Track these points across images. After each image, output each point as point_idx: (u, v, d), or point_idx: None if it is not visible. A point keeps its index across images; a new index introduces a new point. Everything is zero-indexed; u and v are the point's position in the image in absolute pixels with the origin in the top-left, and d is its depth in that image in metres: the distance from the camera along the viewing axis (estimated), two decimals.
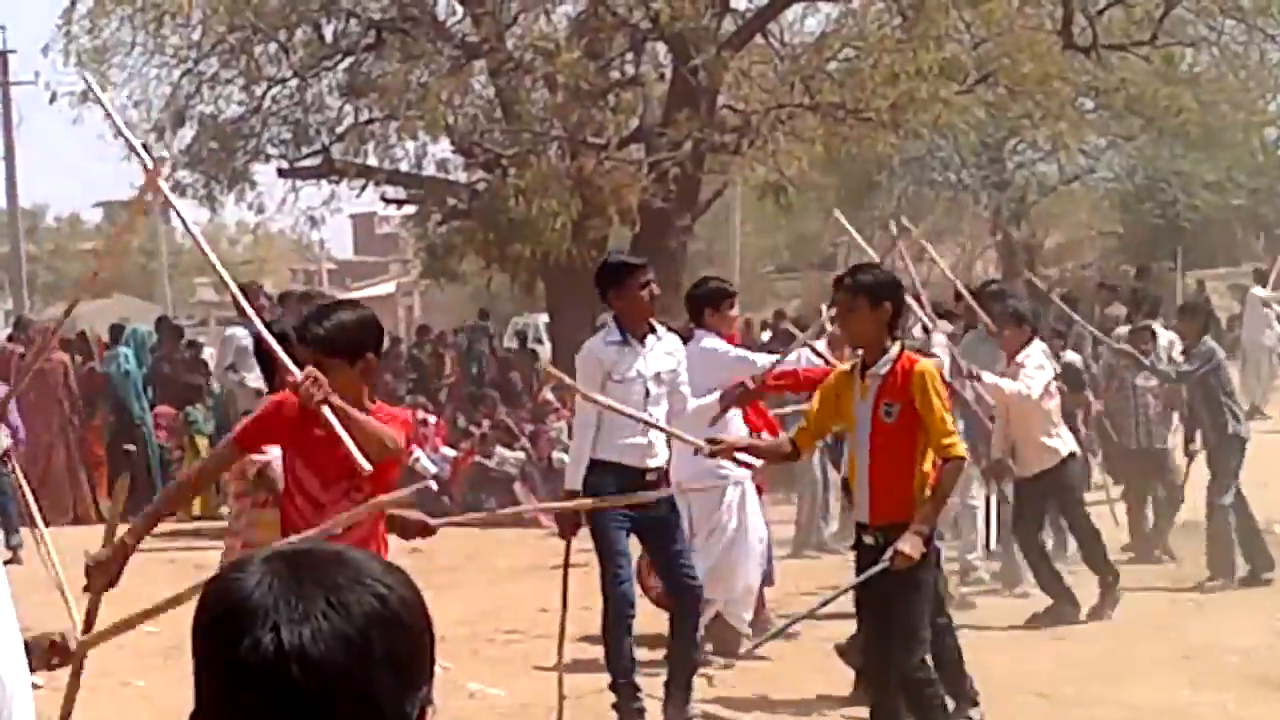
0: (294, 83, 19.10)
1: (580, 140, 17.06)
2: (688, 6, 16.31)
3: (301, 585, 1.52)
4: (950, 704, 6.41)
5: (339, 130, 19.24)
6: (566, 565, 6.90)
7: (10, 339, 16.43)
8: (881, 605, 5.89)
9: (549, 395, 15.91)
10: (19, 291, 38.11)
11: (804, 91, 17.05)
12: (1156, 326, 11.61)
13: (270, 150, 19.53)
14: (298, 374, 4.67)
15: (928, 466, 5.84)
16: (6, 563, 10.25)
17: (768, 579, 8.77)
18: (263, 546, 4.46)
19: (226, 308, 34.51)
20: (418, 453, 8.55)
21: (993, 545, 10.33)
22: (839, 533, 11.67)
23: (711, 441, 6.47)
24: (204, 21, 18.34)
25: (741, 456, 6.72)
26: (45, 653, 3.65)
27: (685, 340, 7.60)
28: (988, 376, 8.99)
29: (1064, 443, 9.42)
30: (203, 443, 14.51)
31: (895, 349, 5.92)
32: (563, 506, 7.27)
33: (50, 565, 8.89)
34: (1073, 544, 10.06)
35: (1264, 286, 19.28)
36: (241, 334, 13.24)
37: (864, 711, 6.41)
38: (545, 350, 21.72)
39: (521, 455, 14.61)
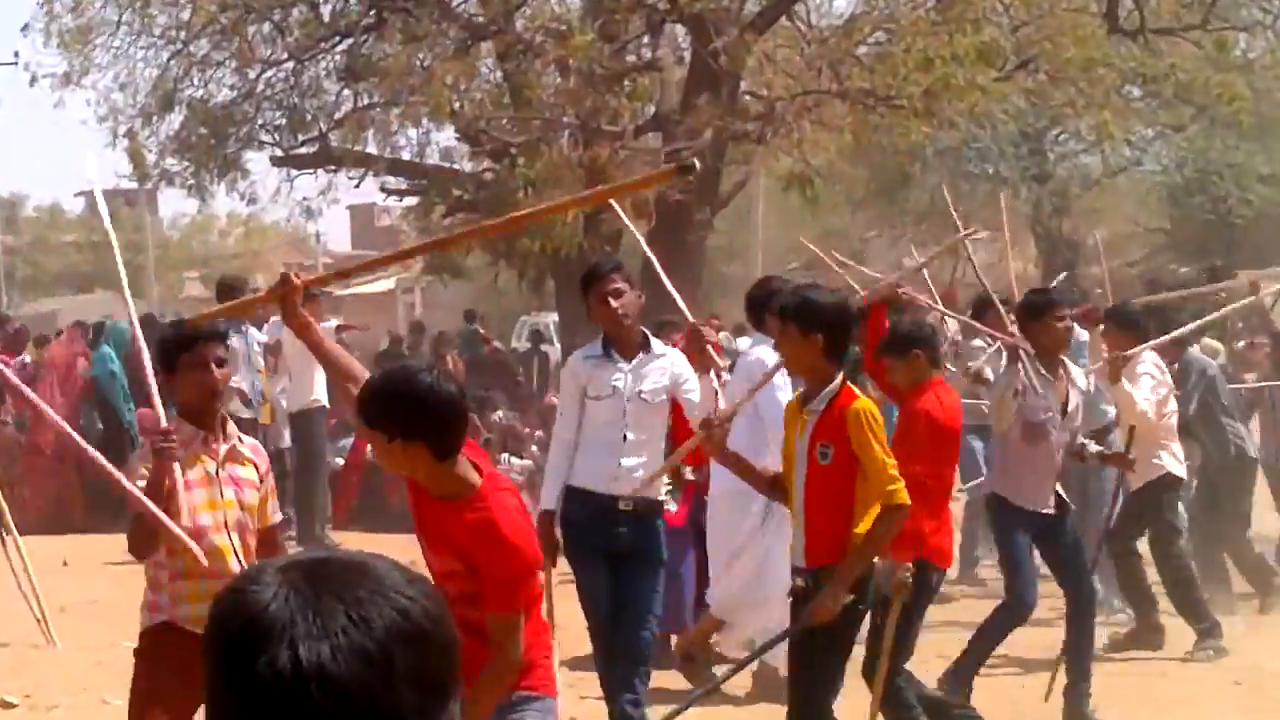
0: (289, 65, 19.16)
1: (594, 128, 17.07)
2: None
3: (320, 599, 1.52)
4: None
5: (337, 116, 19.30)
6: (549, 591, 6.33)
7: None
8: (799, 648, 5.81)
9: (555, 399, 15.91)
10: None
11: (832, 77, 17.04)
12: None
13: (264, 137, 19.61)
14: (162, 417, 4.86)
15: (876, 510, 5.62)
16: None
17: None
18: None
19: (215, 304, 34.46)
20: None
21: None
22: None
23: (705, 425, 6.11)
24: (194, 0, 18.39)
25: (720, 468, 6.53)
26: None
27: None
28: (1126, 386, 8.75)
29: (1168, 461, 9.27)
30: None
31: (836, 383, 5.68)
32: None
33: (24, 574, 8.96)
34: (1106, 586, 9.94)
35: None
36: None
37: None
38: (555, 351, 21.73)
39: (530, 464, 14.58)
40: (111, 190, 46.86)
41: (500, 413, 15.74)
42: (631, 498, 6.70)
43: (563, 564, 6.97)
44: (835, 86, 17.00)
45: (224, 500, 5.25)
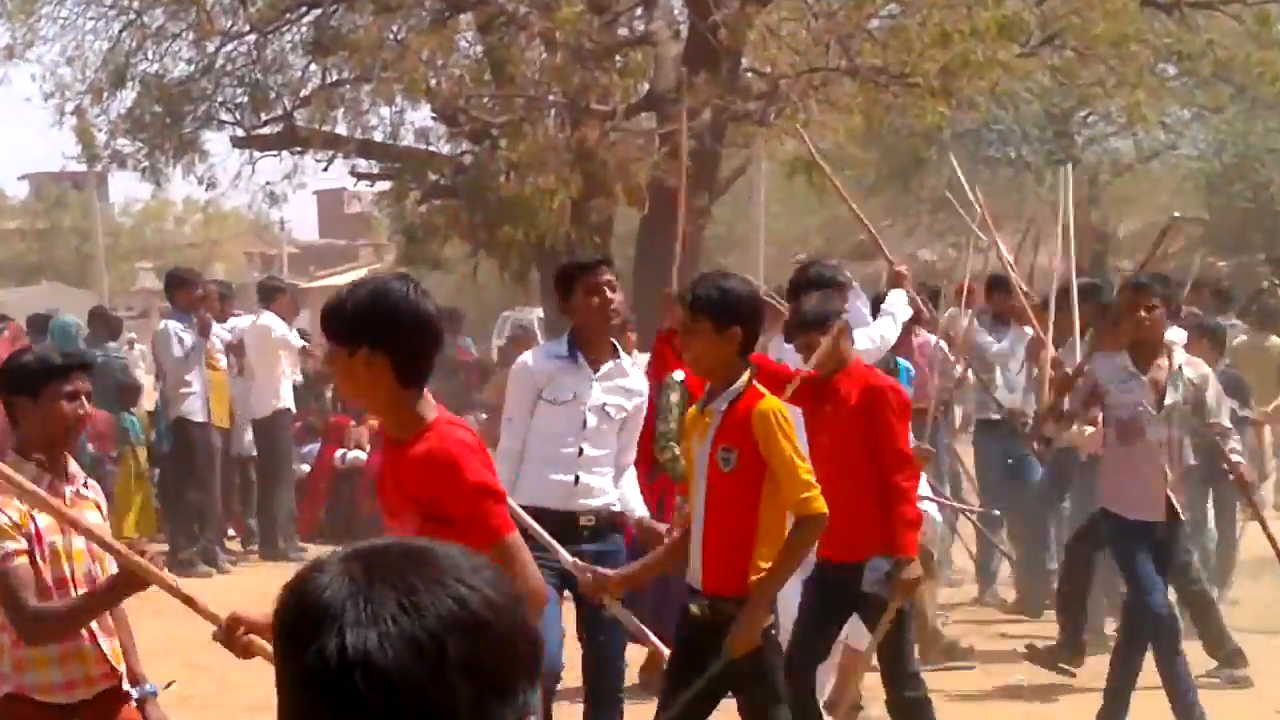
0: (251, 38, 19.14)
1: (582, 107, 17.05)
2: None
3: (373, 586, 1.58)
4: None
5: (303, 94, 19.28)
6: None
7: None
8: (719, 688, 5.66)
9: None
10: None
11: (840, 53, 17.04)
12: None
13: (224, 116, 19.58)
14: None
15: (785, 523, 5.51)
16: None
17: None
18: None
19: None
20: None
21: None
22: None
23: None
24: None
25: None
26: None
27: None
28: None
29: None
30: (141, 454, 14.48)
31: (742, 380, 5.52)
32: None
33: None
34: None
35: None
36: (176, 327, 13.18)
37: None
38: None
39: None
40: (58, 173, 46.93)
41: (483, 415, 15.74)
42: (594, 511, 6.59)
43: None
44: (844, 63, 16.99)
45: (74, 551, 4.80)
